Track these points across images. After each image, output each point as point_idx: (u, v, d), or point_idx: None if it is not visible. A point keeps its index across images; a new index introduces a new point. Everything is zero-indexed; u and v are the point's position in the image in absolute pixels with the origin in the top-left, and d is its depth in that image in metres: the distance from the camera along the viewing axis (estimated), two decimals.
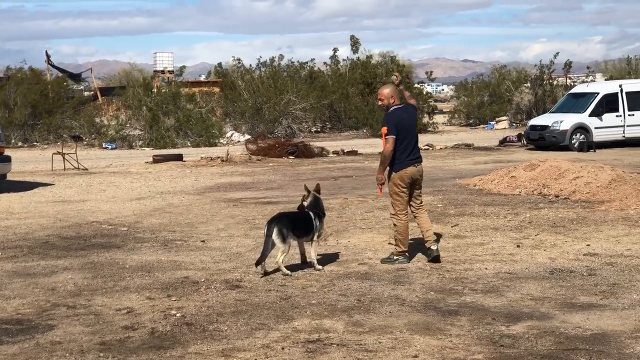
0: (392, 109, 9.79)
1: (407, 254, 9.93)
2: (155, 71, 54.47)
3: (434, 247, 9.82)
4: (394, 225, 9.96)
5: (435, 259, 9.78)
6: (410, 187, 9.85)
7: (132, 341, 6.90)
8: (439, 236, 10.80)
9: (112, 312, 7.86)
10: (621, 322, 7.18)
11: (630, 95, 29.47)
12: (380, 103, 10.00)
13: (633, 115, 29.24)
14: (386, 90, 9.92)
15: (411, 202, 9.97)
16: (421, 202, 10.06)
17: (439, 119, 47.24)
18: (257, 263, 9.29)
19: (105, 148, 34.49)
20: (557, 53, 46.01)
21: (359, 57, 46.10)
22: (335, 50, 47.29)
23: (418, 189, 9.98)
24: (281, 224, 9.29)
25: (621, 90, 29.45)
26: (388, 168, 9.83)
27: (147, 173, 22.40)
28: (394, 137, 9.63)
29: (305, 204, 9.78)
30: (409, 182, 9.79)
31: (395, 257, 9.87)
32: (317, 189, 9.95)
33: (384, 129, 9.73)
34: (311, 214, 9.63)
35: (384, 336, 6.88)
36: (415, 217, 10.05)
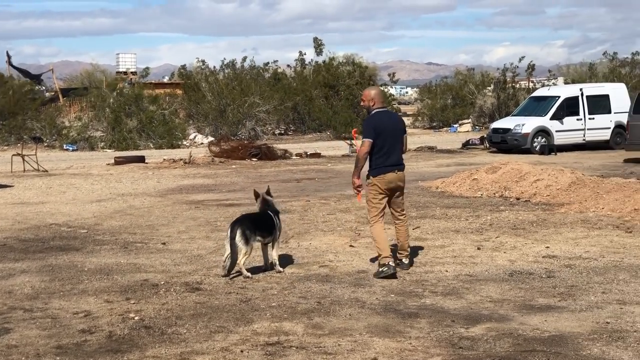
0: (373, 112, 9.42)
1: (391, 262, 9.23)
2: (117, 72, 54.11)
3: (406, 261, 9.59)
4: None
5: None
6: (390, 194, 9.46)
7: (89, 345, 6.83)
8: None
9: (69, 315, 7.78)
10: (578, 323, 7.23)
11: (591, 99, 29.81)
12: (362, 103, 9.68)
13: (593, 118, 29.56)
14: (369, 92, 9.55)
15: (392, 209, 9.60)
16: (402, 211, 9.66)
17: None
18: (229, 270, 9.23)
19: (66, 149, 34.21)
20: (523, 57, 46.50)
21: (324, 60, 46.18)
22: (301, 53, 47.39)
23: (399, 195, 9.56)
24: (244, 225, 9.26)
25: (582, 94, 29.76)
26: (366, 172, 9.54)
27: (109, 175, 22.23)
28: (369, 140, 9.23)
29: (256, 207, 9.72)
30: (387, 189, 9.38)
31: (380, 269, 9.26)
32: (268, 192, 9.89)
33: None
34: (270, 213, 9.60)
35: (344, 339, 6.87)
36: (395, 225, 9.73)
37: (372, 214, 9.44)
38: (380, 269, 9.22)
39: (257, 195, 9.79)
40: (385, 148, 9.29)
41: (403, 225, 9.68)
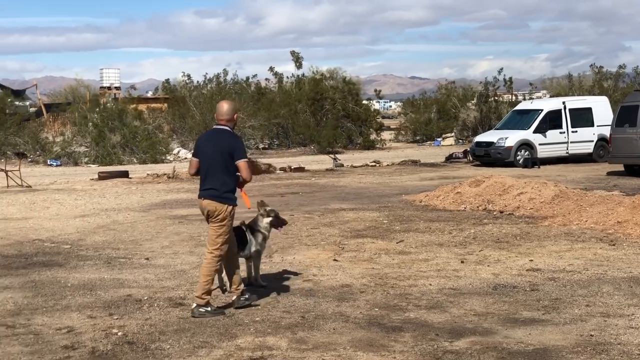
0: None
1: (200, 303, 8.24)
2: (101, 87, 54.05)
3: (193, 305, 8.30)
4: None
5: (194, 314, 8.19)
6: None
7: None
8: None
9: (52, 331, 7.73)
10: (563, 336, 7.25)
11: (574, 112, 29.96)
12: None
13: (576, 131, 29.70)
14: (219, 105, 8.62)
15: None
16: (210, 245, 8.35)
17: (386, 135, 47.51)
18: (222, 287, 9.18)
19: (50, 165, 34.05)
20: (501, 69, 46.76)
21: (304, 74, 46.42)
22: (272, 68, 47.82)
23: (211, 225, 8.37)
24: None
25: (564, 107, 29.89)
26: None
27: (92, 190, 22.14)
28: (192, 158, 8.62)
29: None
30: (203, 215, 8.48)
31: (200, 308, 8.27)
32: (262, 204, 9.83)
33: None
34: (243, 228, 9.56)
35: (328, 353, 6.85)
36: None
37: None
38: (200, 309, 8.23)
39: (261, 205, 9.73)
40: (203, 170, 8.39)
41: (205, 260, 8.41)
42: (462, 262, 10.84)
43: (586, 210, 14.33)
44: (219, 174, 8.25)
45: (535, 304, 8.50)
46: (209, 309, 8.19)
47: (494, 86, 46.29)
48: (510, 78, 48.15)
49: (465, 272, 10.21)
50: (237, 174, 8.35)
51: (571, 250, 11.54)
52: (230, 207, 8.30)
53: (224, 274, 9.13)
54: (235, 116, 8.50)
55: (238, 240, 9.32)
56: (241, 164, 8.24)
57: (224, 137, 8.32)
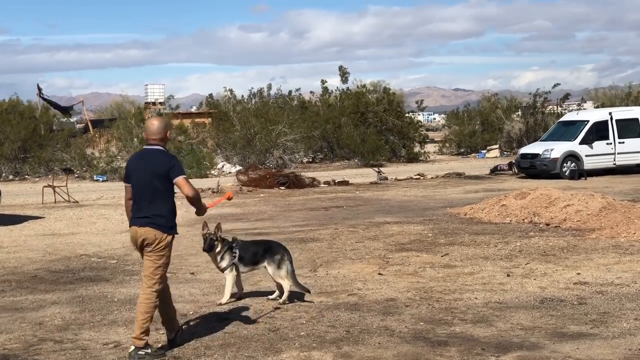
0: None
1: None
2: (146, 103, 54.63)
3: (131, 348, 7.38)
4: None
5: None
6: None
7: None
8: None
9: (99, 346, 7.80)
10: (611, 351, 7.15)
11: (620, 122, 29.61)
12: None
13: (623, 142, 29.35)
14: (148, 123, 7.80)
15: None
16: (147, 278, 7.57)
17: (430, 148, 47.36)
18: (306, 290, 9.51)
19: (97, 180, 34.42)
20: (558, 84, 47.05)
21: (348, 87, 46.46)
22: (323, 82, 47.83)
23: (147, 255, 7.61)
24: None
25: (611, 118, 29.58)
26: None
27: None
28: (125, 183, 7.73)
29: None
30: (135, 246, 7.70)
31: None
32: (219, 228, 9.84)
33: None
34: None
35: None
36: None
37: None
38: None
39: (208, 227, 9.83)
40: (136, 195, 7.56)
41: (141, 295, 7.53)
42: (508, 275, 10.75)
43: (634, 222, 14.14)
44: (155, 199, 7.47)
45: (583, 317, 8.41)
46: (149, 350, 7.34)
47: (544, 98, 46.27)
48: (567, 94, 48.08)
49: (511, 285, 10.12)
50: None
51: (619, 263, 11.39)
52: (171, 236, 7.63)
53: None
54: (167, 134, 7.70)
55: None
56: (180, 180, 7.42)
57: (157, 157, 7.51)
